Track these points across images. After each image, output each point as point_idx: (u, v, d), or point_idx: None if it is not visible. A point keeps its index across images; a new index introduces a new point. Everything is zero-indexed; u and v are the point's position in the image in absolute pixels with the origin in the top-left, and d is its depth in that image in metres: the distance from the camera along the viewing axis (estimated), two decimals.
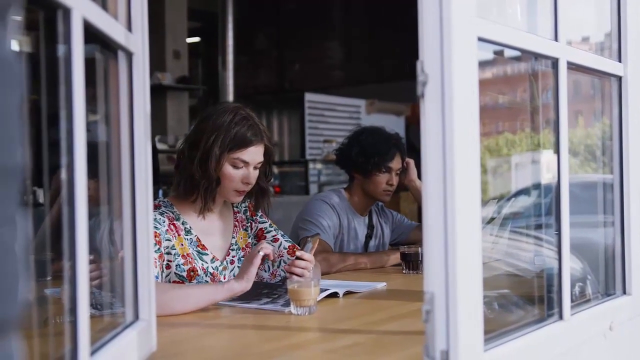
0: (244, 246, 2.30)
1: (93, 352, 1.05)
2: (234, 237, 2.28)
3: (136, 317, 1.32)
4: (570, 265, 1.52)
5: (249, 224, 2.34)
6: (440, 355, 1.13)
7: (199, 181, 2.11)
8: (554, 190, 1.49)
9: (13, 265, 0.53)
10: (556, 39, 1.46)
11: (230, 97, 8.27)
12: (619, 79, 1.74)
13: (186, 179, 2.14)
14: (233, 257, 2.27)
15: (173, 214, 2.16)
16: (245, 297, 2.02)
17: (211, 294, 1.90)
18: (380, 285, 2.29)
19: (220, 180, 2.13)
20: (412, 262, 2.59)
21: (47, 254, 1.50)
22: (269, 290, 2.09)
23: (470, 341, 1.15)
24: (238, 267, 2.25)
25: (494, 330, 1.29)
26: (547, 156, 1.82)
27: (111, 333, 1.21)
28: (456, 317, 1.12)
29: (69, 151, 0.96)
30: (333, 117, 7.84)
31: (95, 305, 1.25)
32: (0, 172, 0.52)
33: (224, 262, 2.23)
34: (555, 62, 1.46)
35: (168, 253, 2.08)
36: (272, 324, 1.74)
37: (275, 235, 2.33)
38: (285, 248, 2.29)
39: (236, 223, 2.31)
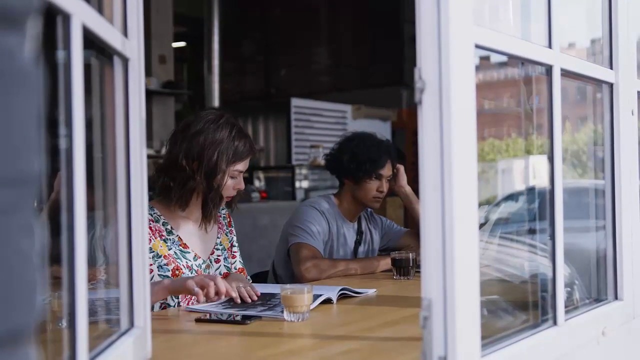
0: (227, 247, 2.41)
1: None
2: (218, 238, 2.37)
3: (131, 324, 1.31)
4: None
5: (229, 230, 2.46)
6: None
7: (205, 195, 2.21)
8: (548, 196, 1.50)
9: (31, 274, 0.53)
10: (550, 46, 1.47)
11: (216, 103, 8.26)
12: (611, 85, 1.76)
13: (187, 192, 2.21)
14: (218, 256, 2.35)
15: (152, 215, 2.21)
16: (241, 305, 2.01)
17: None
18: (371, 292, 2.29)
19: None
20: (403, 268, 2.59)
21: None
22: (263, 300, 2.08)
23: (467, 347, 1.15)
24: (225, 265, 2.36)
25: (490, 336, 1.29)
26: (535, 162, 1.83)
27: (107, 341, 1.20)
28: (454, 323, 1.12)
29: (68, 156, 0.95)
30: (319, 122, 7.83)
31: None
32: (18, 181, 0.52)
33: (207, 261, 2.30)
34: (549, 69, 1.47)
35: None
36: (266, 331, 1.73)
37: (236, 252, 2.46)
38: (235, 268, 2.41)
39: (220, 225, 2.40)
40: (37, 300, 0.55)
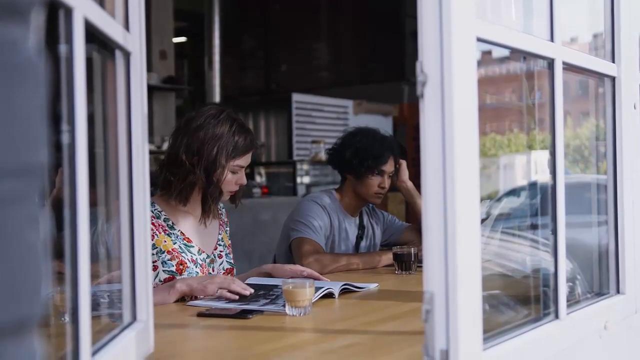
0: (227, 244, 2.42)
1: (93, 354, 1.04)
2: (220, 234, 2.39)
3: (134, 318, 1.31)
4: None
5: (228, 228, 2.48)
6: (440, 355, 1.13)
7: (205, 189, 2.21)
8: (550, 191, 1.50)
9: (37, 266, 0.53)
10: (552, 39, 1.47)
11: (217, 98, 8.25)
12: (613, 79, 1.76)
13: (188, 186, 2.21)
14: (220, 251, 2.37)
15: (153, 212, 2.21)
16: (243, 299, 2.02)
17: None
18: (373, 286, 2.29)
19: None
20: (405, 263, 2.59)
21: None
22: (265, 291, 2.09)
23: (469, 340, 1.15)
24: (227, 261, 2.37)
25: (492, 330, 1.29)
26: (537, 157, 1.83)
27: (110, 334, 1.20)
28: (456, 317, 1.12)
29: (71, 151, 0.95)
30: (320, 117, 7.82)
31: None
32: (24, 172, 0.52)
33: (211, 256, 2.32)
34: (551, 63, 1.47)
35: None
36: (268, 325, 1.73)
37: (229, 252, 2.45)
38: (223, 269, 2.38)
39: (221, 222, 2.42)
40: (43, 290, 0.55)
